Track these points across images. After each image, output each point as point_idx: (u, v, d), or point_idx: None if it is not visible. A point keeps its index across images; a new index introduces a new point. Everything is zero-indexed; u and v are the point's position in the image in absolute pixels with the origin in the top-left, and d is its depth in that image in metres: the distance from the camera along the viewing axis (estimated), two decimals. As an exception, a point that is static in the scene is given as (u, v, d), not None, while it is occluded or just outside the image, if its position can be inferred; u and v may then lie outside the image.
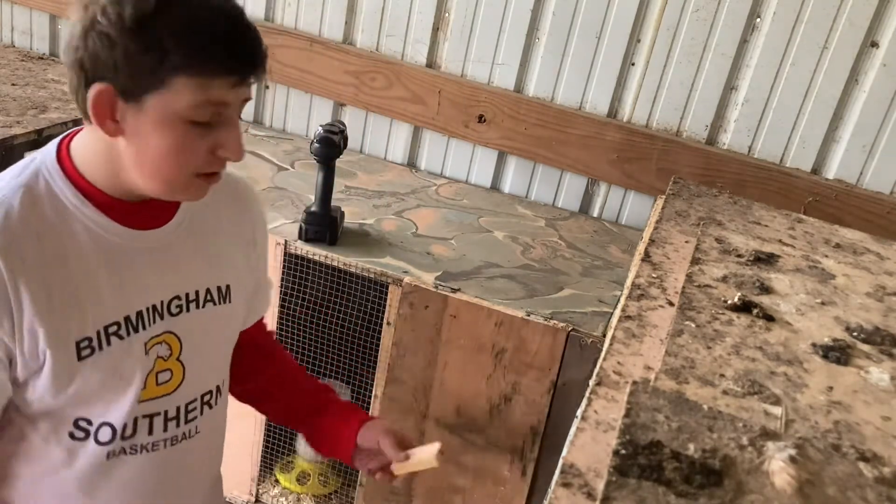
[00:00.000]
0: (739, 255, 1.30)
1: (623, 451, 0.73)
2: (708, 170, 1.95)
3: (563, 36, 2.00)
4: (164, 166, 0.90)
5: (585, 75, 2.01)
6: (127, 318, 0.97)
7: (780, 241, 1.41)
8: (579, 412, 0.86)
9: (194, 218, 1.03)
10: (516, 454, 1.58)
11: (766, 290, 1.18)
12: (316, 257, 1.65)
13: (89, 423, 0.99)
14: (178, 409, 1.05)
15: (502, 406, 1.57)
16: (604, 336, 1.47)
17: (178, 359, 1.03)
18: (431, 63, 2.13)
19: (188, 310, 1.03)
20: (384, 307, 1.62)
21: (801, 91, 1.86)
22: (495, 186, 2.20)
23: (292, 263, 1.68)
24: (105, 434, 1.00)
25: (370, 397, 1.70)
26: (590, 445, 0.79)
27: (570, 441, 0.80)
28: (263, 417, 1.83)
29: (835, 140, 1.89)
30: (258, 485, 1.90)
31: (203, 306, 1.05)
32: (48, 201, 0.92)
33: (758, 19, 1.85)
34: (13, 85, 2.17)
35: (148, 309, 0.99)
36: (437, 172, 2.22)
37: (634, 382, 0.86)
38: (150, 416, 1.02)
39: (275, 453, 1.92)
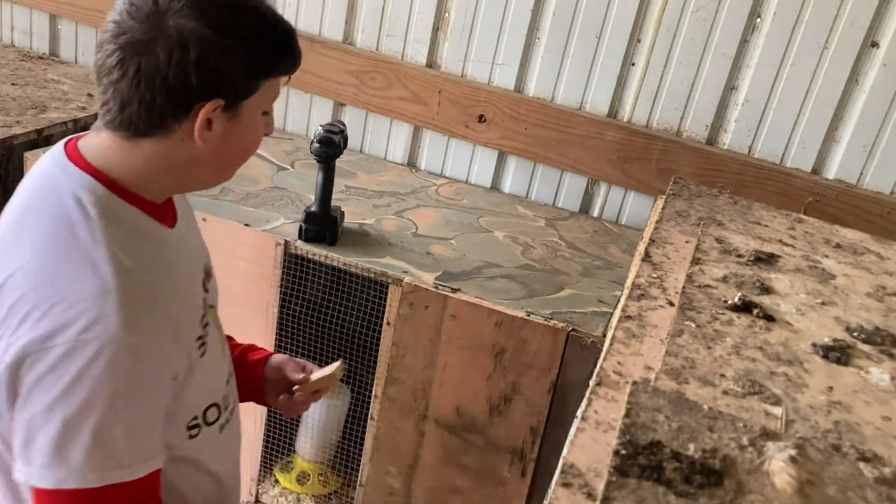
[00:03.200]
0: (740, 255, 1.30)
1: (623, 451, 0.73)
2: (708, 170, 1.95)
3: (563, 36, 2.00)
4: (244, 158, 1.02)
5: (585, 75, 2.01)
6: (203, 305, 1.06)
7: (780, 241, 1.41)
8: (579, 412, 0.86)
9: (182, 207, 1.09)
10: (516, 454, 1.58)
11: (766, 290, 1.18)
12: (316, 257, 1.65)
13: (195, 417, 1.05)
14: (229, 365, 1.16)
15: (502, 406, 1.56)
16: (604, 336, 1.47)
17: (218, 327, 1.13)
18: (431, 63, 2.13)
19: (208, 280, 1.12)
20: (384, 307, 1.62)
21: (801, 91, 1.86)
22: (495, 186, 2.20)
23: (292, 263, 1.68)
24: (212, 414, 1.08)
25: (370, 397, 1.69)
26: (590, 445, 0.79)
27: (570, 441, 0.80)
28: (264, 417, 1.83)
29: (835, 140, 1.89)
30: (258, 485, 1.90)
31: (210, 280, 1.14)
32: (125, 225, 0.94)
33: (758, 19, 1.85)
34: (13, 85, 2.17)
35: (203, 291, 1.08)
36: (437, 172, 2.22)
37: (634, 382, 0.85)
38: (229, 379, 1.14)
39: (275, 453, 1.92)
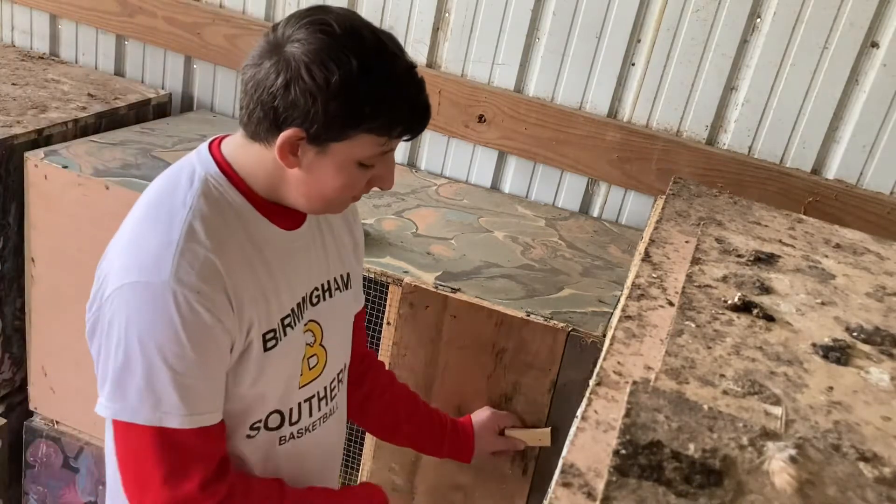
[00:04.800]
0: (739, 255, 1.30)
1: (623, 451, 0.74)
2: (708, 170, 1.95)
3: (563, 36, 2.00)
4: (333, 196, 1.04)
5: (585, 75, 2.01)
6: (293, 310, 1.09)
7: (780, 241, 1.41)
8: (579, 412, 0.86)
9: (318, 217, 1.15)
10: (517, 453, 1.58)
11: (766, 290, 1.18)
12: (316, 257, 1.65)
13: (259, 420, 1.09)
14: (325, 388, 1.19)
15: (503, 406, 1.57)
16: (604, 336, 1.47)
17: (321, 344, 1.16)
18: (431, 63, 2.13)
19: (324, 298, 1.16)
20: (384, 307, 1.62)
21: (801, 91, 1.86)
22: (495, 186, 2.20)
23: (292, 263, 1.68)
24: (274, 420, 1.11)
25: (370, 397, 1.70)
26: (590, 445, 0.79)
27: (570, 441, 0.80)
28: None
29: (835, 140, 1.89)
30: (258, 484, 1.90)
31: (333, 294, 1.18)
32: (224, 205, 1.02)
33: (758, 19, 1.85)
34: (13, 85, 2.17)
35: (302, 300, 1.12)
36: (437, 172, 2.22)
37: (634, 382, 0.86)
38: (309, 399, 1.16)
39: (275, 453, 1.92)
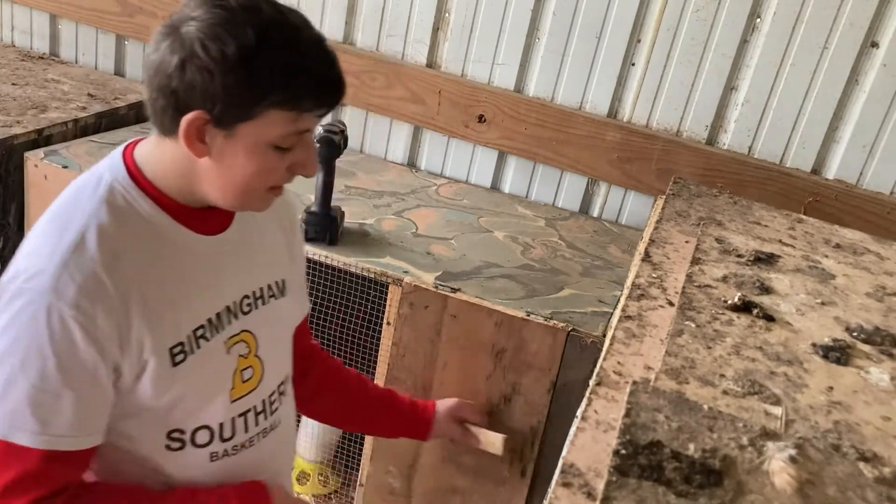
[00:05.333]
0: (739, 255, 1.30)
1: (623, 451, 0.74)
2: (708, 170, 1.95)
3: (563, 36, 2.00)
4: (246, 185, 0.96)
5: (585, 75, 2.01)
6: (209, 321, 1.01)
7: (780, 241, 1.41)
8: (579, 412, 0.86)
9: (245, 218, 1.08)
10: (516, 454, 1.58)
11: (766, 290, 1.18)
12: (316, 257, 1.65)
13: (182, 432, 1.02)
14: (263, 402, 1.11)
15: (502, 406, 1.57)
16: (604, 336, 1.47)
17: (255, 355, 1.08)
18: (431, 63, 2.13)
19: (257, 307, 1.08)
20: (384, 307, 1.62)
21: (801, 91, 1.86)
22: (495, 186, 2.20)
23: (292, 263, 1.68)
24: (203, 437, 1.04)
25: (370, 397, 1.70)
26: (590, 445, 0.79)
27: (570, 441, 0.80)
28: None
29: (835, 140, 1.88)
30: (258, 485, 1.90)
31: (267, 302, 1.10)
32: (129, 214, 0.96)
33: (758, 19, 1.85)
34: (13, 85, 2.17)
35: (225, 309, 1.04)
36: (437, 172, 2.22)
37: (634, 382, 0.86)
38: (244, 414, 1.08)
39: (275, 453, 1.92)
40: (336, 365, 1.42)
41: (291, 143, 0.95)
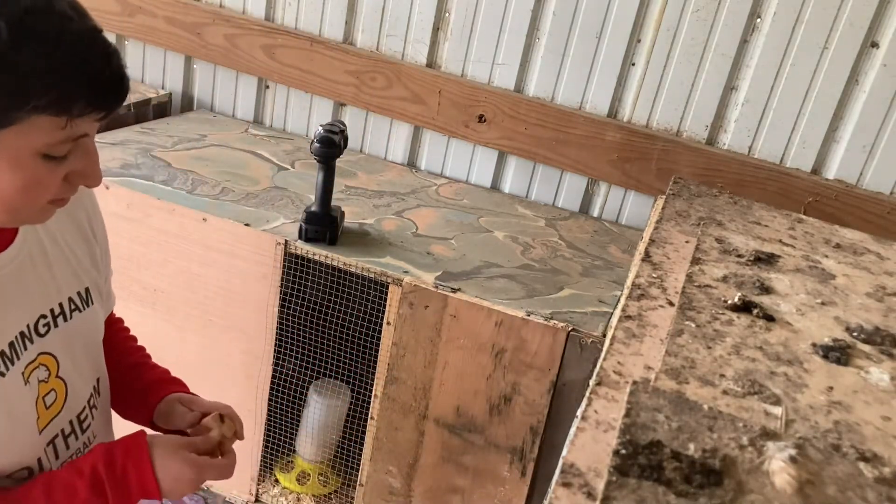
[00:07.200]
0: (739, 255, 1.30)
1: (623, 451, 0.73)
2: (708, 170, 1.95)
3: (563, 36, 2.00)
4: (16, 201, 0.83)
5: (585, 75, 2.01)
6: (2, 353, 0.89)
7: (780, 241, 1.41)
8: (579, 412, 0.86)
9: (34, 230, 0.96)
10: (516, 454, 1.58)
11: (766, 290, 1.18)
12: (316, 257, 1.65)
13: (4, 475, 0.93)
14: (70, 423, 1.01)
15: (502, 406, 1.57)
16: (604, 336, 1.47)
17: (57, 376, 0.98)
18: (431, 63, 2.13)
19: (56, 325, 0.97)
20: (384, 307, 1.62)
21: (801, 91, 1.86)
22: (495, 186, 2.20)
23: (292, 263, 1.68)
24: (22, 476, 0.95)
25: (370, 397, 1.70)
26: (590, 445, 0.79)
27: (570, 441, 0.80)
28: (263, 417, 1.83)
29: (835, 140, 1.89)
30: (258, 484, 1.90)
31: (70, 318, 1.00)
32: None
33: (758, 19, 1.85)
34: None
35: (17, 337, 0.92)
36: (437, 172, 2.22)
37: (634, 382, 0.86)
38: (52, 441, 0.99)
39: (275, 453, 1.92)
40: (120, 338, 1.24)
41: (65, 151, 0.82)
